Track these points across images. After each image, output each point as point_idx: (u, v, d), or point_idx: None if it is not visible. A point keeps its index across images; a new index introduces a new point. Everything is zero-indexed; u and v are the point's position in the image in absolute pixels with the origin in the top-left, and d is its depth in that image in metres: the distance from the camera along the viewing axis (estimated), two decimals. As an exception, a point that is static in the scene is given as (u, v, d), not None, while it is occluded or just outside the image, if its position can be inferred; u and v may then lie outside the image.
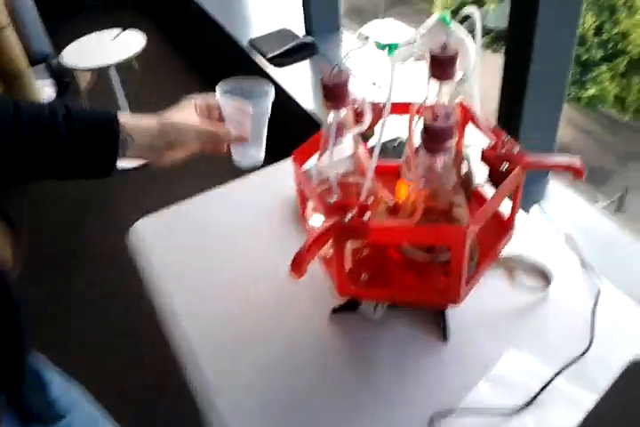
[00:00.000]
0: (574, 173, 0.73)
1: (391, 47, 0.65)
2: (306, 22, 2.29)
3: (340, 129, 0.70)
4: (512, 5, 1.32)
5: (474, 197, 0.83)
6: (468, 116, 0.77)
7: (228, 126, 0.84)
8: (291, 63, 2.23)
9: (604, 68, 8.16)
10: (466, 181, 0.79)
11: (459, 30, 0.68)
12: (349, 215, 0.67)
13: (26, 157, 0.72)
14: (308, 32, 2.30)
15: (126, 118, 0.77)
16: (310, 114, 2.01)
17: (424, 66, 0.70)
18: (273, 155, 1.04)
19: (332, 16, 2.30)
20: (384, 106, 0.68)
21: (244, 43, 2.38)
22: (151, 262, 1.00)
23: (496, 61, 1.63)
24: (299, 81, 2.14)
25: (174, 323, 0.90)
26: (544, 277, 0.88)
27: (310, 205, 0.84)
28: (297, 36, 2.31)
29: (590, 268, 0.89)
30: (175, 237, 1.05)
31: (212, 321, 0.88)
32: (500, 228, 0.82)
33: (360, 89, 0.71)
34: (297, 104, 2.05)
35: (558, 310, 0.84)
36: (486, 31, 9.03)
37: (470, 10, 0.67)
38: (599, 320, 0.81)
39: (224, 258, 0.99)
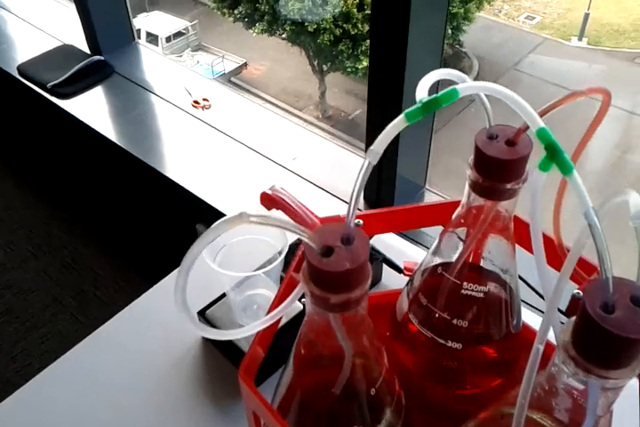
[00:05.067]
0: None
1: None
2: (89, 38, 1.83)
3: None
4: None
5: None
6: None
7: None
8: (81, 91, 1.77)
9: (372, 40, 8.64)
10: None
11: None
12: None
13: None
14: (94, 50, 1.84)
15: None
16: (121, 146, 1.60)
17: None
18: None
19: (123, 27, 1.86)
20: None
21: (12, 70, 1.85)
22: None
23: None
24: (97, 112, 1.70)
25: None
26: None
27: None
28: (83, 54, 1.84)
29: None
30: None
31: None
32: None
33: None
34: (105, 140, 1.63)
35: None
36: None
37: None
38: None
39: None
